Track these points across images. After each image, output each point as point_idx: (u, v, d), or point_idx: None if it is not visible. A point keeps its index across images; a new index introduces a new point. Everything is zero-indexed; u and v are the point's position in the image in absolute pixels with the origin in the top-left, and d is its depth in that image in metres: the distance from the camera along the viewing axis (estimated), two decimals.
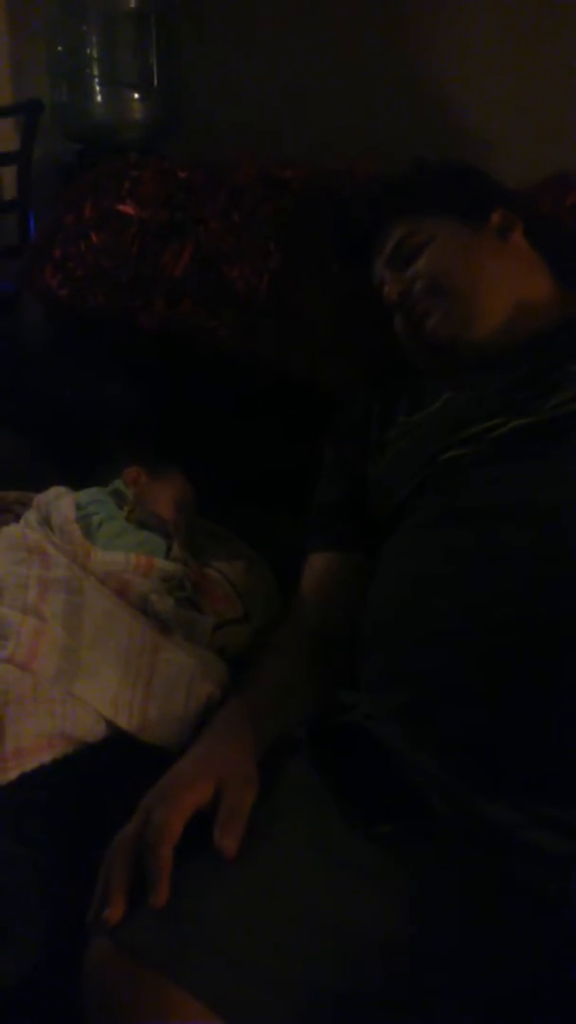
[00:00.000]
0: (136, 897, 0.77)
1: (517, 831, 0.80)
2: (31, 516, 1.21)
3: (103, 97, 2.53)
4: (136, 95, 2.52)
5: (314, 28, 2.39)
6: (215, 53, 2.54)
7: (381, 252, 1.30)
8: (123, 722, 1.01)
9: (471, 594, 0.93)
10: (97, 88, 2.52)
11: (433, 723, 0.88)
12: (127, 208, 1.57)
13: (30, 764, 0.95)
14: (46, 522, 1.19)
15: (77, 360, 1.61)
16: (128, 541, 1.16)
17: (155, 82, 2.52)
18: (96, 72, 2.50)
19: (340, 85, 2.35)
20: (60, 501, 1.21)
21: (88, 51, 2.49)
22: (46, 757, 0.96)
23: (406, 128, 2.19)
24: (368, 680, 0.99)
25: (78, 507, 1.20)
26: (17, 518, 1.24)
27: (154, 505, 1.28)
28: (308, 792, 0.88)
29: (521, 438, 1.03)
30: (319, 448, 1.32)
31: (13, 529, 1.19)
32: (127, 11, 2.48)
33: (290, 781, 0.90)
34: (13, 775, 0.94)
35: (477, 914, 0.80)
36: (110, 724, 1.01)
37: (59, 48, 2.54)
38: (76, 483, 1.29)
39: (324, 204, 1.49)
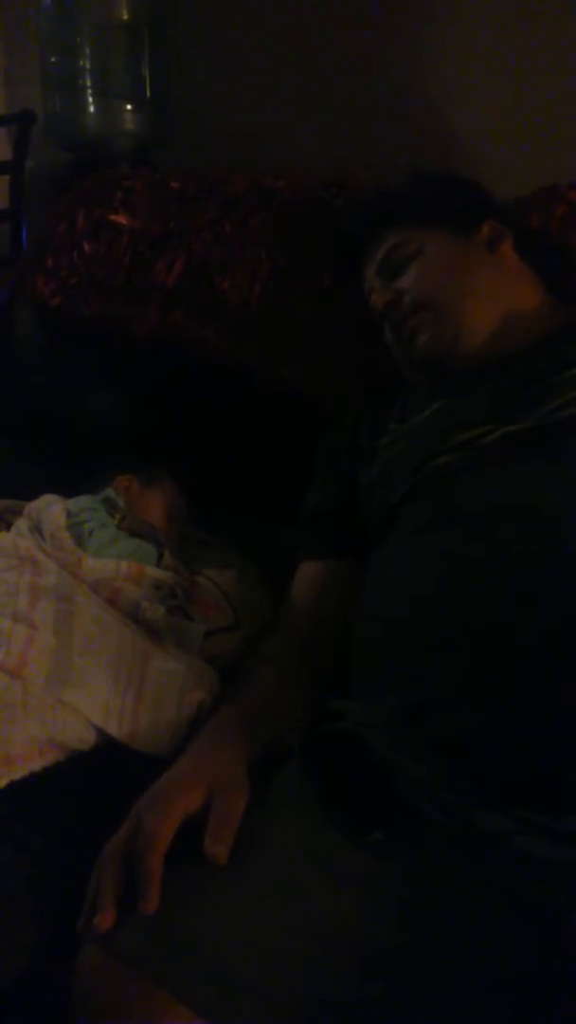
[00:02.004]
0: (127, 904, 0.77)
1: (508, 838, 0.81)
2: (22, 524, 1.21)
3: (96, 108, 2.54)
4: (129, 106, 2.54)
5: (307, 40, 2.40)
6: (208, 64, 2.55)
7: (372, 260, 1.30)
8: (113, 730, 1.00)
9: (462, 600, 0.94)
10: (90, 99, 2.54)
11: (424, 730, 0.88)
12: (120, 218, 1.58)
13: (20, 772, 0.95)
14: (37, 530, 1.19)
15: (69, 368, 1.61)
16: (119, 549, 1.16)
17: (148, 93, 2.54)
18: (89, 83, 2.52)
19: (333, 97, 2.37)
20: (51, 509, 1.21)
21: (81, 62, 2.50)
22: (36, 765, 0.96)
23: (398, 139, 2.20)
24: (359, 687, 0.99)
25: (69, 515, 1.20)
26: (8, 526, 1.24)
27: (145, 513, 1.28)
28: (299, 799, 0.88)
29: (512, 444, 1.03)
30: (310, 456, 1.32)
31: (4, 537, 1.19)
32: (120, 23, 2.49)
33: (281, 788, 0.90)
34: (3, 783, 0.94)
35: (468, 921, 0.80)
36: (100, 732, 1.01)
37: (52, 59, 2.55)
38: (67, 491, 1.29)
39: (316, 215, 1.50)
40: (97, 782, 0.98)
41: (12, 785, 0.94)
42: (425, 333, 1.20)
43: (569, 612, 0.87)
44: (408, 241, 1.26)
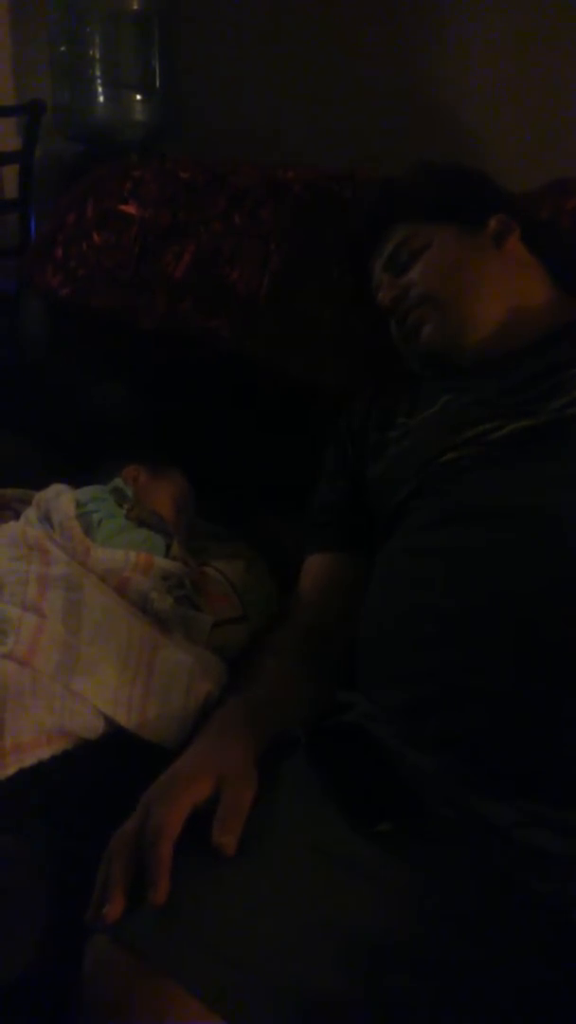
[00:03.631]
0: (135, 894, 0.77)
1: (515, 830, 0.81)
2: (31, 513, 1.21)
3: (105, 98, 2.54)
4: (138, 96, 2.53)
5: (316, 31, 2.39)
6: (217, 55, 2.55)
7: (380, 255, 1.30)
8: (122, 719, 1.01)
9: (468, 595, 0.94)
10: (99, 89, 2.53)
11: (431, 723, 0.88)
12: (129, 208, 1.58)
13: (29, 760, 0.95)
14: (46, 519, 1.19)
15: (78, 359, 1.61)
16: (128, 539, 1.16)
17: (157, 83, 2.53)
18: (98, 73, 2.51)
19: (341, 87, 2.36)
20: (60, 498, 1.21)
21: (91, 52, 2.50)
22: (45, 753, 0.96)
23: (407, 131, 2.20)
24: (366, 680, 1.00)
25: (78, 505, 1.20)
26: (17, 515, 1.25)
27: (153, 503, 1.28)
28: (307, 791, 0.88)
29: (520, 440, 1.03)
30: (319, 449, 1.32)
31: (13, 526, 1.19)
32: (130, 12, 2.48)
33: (289, 780, 0.90)
34: (12, 770, 0.94)
35: (476, 913, 0.80)
36: (109, 721, 1.01)
37: (62, 49, 2.55)
38: (76, 481, 1.29)
39: (325, 206, 1.50)
40: (105, 771, 0.98)
41: (20, 773, 0.94)
42: (429, 325, 1.20)
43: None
44: (415, 236, 1.26)
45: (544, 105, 2.13)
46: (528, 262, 1.25)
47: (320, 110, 2.38)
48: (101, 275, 1.56)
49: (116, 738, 1.01)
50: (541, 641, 0.86)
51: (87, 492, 1.25)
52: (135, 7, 2.48)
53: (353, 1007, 0.76)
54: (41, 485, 1.27)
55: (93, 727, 1.00)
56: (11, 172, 2.77)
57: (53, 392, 1.61)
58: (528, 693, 0.85)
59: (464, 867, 0.82)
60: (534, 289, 1.22)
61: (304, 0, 2.41)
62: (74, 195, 1.64)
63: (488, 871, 0.81)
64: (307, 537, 1.24)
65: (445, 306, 1.19)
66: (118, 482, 1.30)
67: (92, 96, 2.54)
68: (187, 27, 2.54)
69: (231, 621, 1.17)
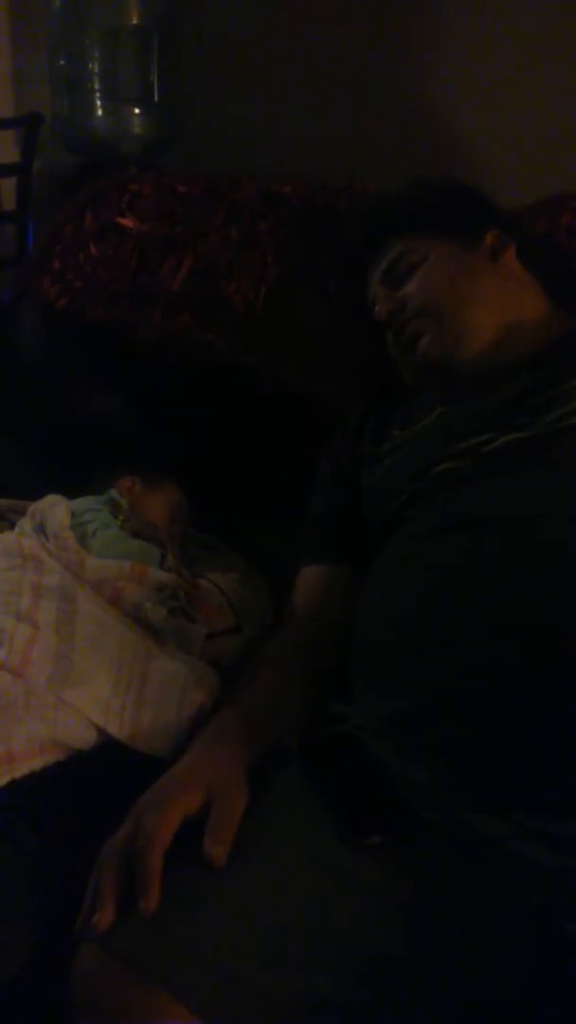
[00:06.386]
0: (126, 904, 0.77)
1: (505, 842, 0.81)
2: (26, 524, 1.21)
3: (104, 111, 2.55)
4: (137, 109, 2.54)
5: (314, 45, 2.41)
6: (215, 68, 2.56)
7: (376, 269, 1.31)
8: (114, 730, 1.01)
9: (461, 607, 0.94)
10: (98, 102, 2.54)
11: (423, 734, 0.89)
12: (126, 221, 1.58)
13: (21, 771, 0.95)
14: (41, 530, 1.19)
15: (74, 370, 1.61)
16: (122, 550, 1.17)
17: (156, 96, 2.54)
18: (97, 86, 2.52)
19: (339, 102, 2.37)
20: (55, 509, 1.21)
21: (90, 65, 2.51)
22: (37, 764, 0.97)
23: (404, 145, 2.20)
24: (359, 691, 1.00)
25: (73, 515, 1.21)
26: (12, 526, 1.25)
27: (148, 514, 1.29)
28: (299, 802, 0.88)
29: (514, 453, 1.04)
30: (314, 460, 1.32)
31: (8, 536, 1.19)
32: (129, 26, 2.49)
33: (281, 791, 0.90)
34: (3, 781, 0.94)
35: (467, 925, 0.80)
36: (101, 732, 1.01)
37: (61, 61, 2.56)
38: (71, 492, 1.29)
39: (322, 220, 1.51)
40: (97, 782, 0.98)
41: (12, 784, 0.94)
42: (426, 337, 1.21)
43: (568, 620, 0.87)
44: (412, 250, 1.26)
45: (541, 118, 2.14)
46: (523, 276, 1.26)
47: (318, 125, 2.39)
48: (98, 287, 1.56)
49: (109, 749, 1.01)
50: (533, 652, 0.86)
51: (82, 503, 1.25)
52: (134, 21, 2.49)
53: (343, 1017, 0.76)
54: (36, 495, 1.28)
55: (86, 738, 1.00)
56: (9, 184, 2.77)
57: (49, 403, 1.61)
58: (520, 704, 0.85)
59: (455, 878, 0.82)
60: (529, 303, 1.23)
61: (302, 15, 2.43)
62: (72, 207, 1.64)
63: (479, 882, 0.81)
64: (301, 548, 1.25)
65: (442, 318, 1.20)
66: (113, 493, 1.30)
67: (91, 109, 2.55)
68: (186, 41, 2.56)
69: (225, 632, 1.17)
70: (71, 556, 1.13)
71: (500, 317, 1.20)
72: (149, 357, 1.55)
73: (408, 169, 1.39)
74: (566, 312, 1.25)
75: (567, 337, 1.18)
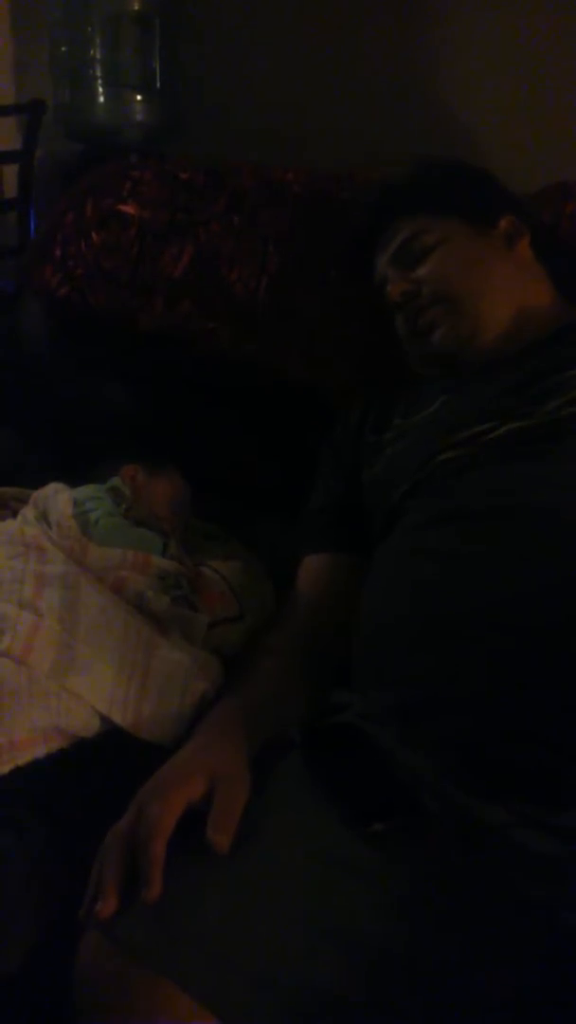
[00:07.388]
0: (129, 893, 0.77)
1: (507, 831, 0.81)
2: (29, 512, 1.21)
3: (105, 98, 2.54)
4: (138, 96, 2.54)
5: (316, 31, 2.40)
6: (217, 55, 2.55)
7: (385, 249, 1.28)
8: (117, 718, 1.01)
9: (464, 596, 0.94)
10: (100, 89, 2.53)
11: (426, 723, 0.89)
12: (128, 208, 1.58)
13: (24, 758, 0.95)
14: (43, 518, 1.19)
15: (76, 359, 1.61)
16: (125, 538, 1.17)
17: (157, 83, 2.54)
18: (99, 73, 2.52)
19: (342, 88, 2.36)
20: (58, 497, 1.21)
21: (91, 52, 2.50)
22: (40, 751, 0.97)
23: (407, 133, 2.20)
24: (362, 680, 1.00)
25: (76, 503, 1.20)
26: (14, 514, 1.25)
27: (150, 503, 1.28)
28: (301, 790, 0.88)
29: (516, 441, 1.03)
30: (315, 450, 1.32)
31: (10, 524, 1.19)
32: (130, 13, 2.49)
33: (283, 779, 0.90)
34: (6, 768, 0.94)
35: (469, 915, 0.80)
36: (104, 720, 1.01)
37: (62, 49, 2.55)
38: (74, 480, 1.29)
39: (324, 208, 1.50)
40: (100, 770, 0.98)
41: (15, 771, 0.95)
42: (442, 327, 1.20)
43: (571, 609, 0.87)
44: (426, 231, 1.24)
45: (544, 107, 2.13)
46: (534, 266, 1.25)
47: (320, 111, 2.38)
48: (100, 275, 1.56)
49: (112, 737, 1.01)
50: (537, 642, 0.86)
51: (85, 491, 1.25)
52: (136, 8, 2.49)
53: (346, 1006, 0.76)
54: (39, 484, 1.28)
55: (89, 726, 1.00)
56: (11, 171, 2.77)
57: (51, 391, 1.61)
58: (523, 694, 0.85)
59: (457, 867, 0.82)
60: (539, 293, 1.22)
61: (305, 1, 2.41)
62: (73, 195, 1.64)
63: (481, 871, 0.81)
64: (303, 538, 1.24)
65: (460, 307, 1.18)
66: (116, 481, 1.30)
67: (92, 96, 2.54)
68: (188, 28, 2.55)
69: (228, 621, 1.17)
70: (74, 544, 1.13)
71: (514, 306, 1.19)
72: (150, 345, 1.55)
73: (411, 156, 1.38)
74: (568, 301, 1.24)
75: (569, 326, 1.17)
